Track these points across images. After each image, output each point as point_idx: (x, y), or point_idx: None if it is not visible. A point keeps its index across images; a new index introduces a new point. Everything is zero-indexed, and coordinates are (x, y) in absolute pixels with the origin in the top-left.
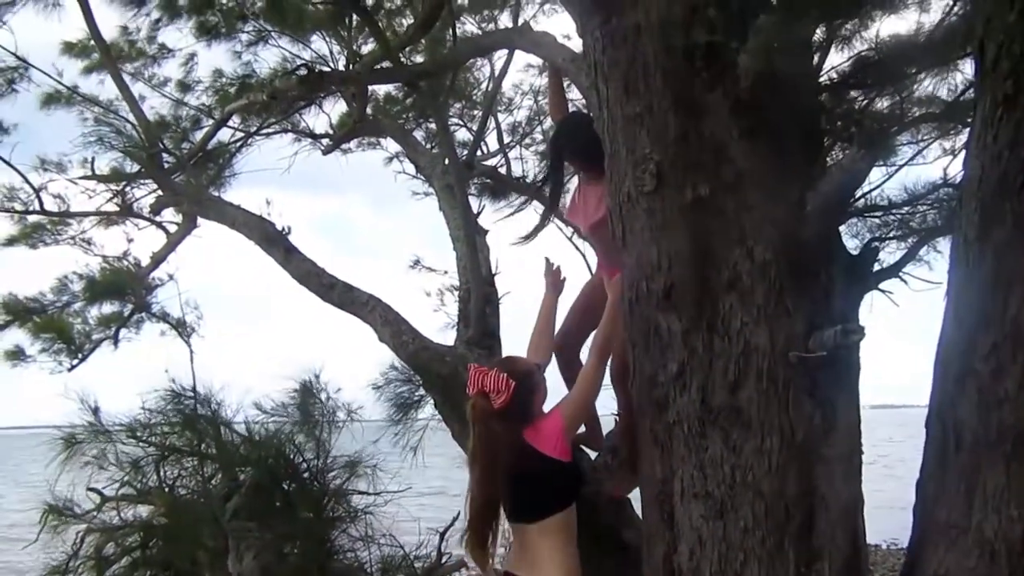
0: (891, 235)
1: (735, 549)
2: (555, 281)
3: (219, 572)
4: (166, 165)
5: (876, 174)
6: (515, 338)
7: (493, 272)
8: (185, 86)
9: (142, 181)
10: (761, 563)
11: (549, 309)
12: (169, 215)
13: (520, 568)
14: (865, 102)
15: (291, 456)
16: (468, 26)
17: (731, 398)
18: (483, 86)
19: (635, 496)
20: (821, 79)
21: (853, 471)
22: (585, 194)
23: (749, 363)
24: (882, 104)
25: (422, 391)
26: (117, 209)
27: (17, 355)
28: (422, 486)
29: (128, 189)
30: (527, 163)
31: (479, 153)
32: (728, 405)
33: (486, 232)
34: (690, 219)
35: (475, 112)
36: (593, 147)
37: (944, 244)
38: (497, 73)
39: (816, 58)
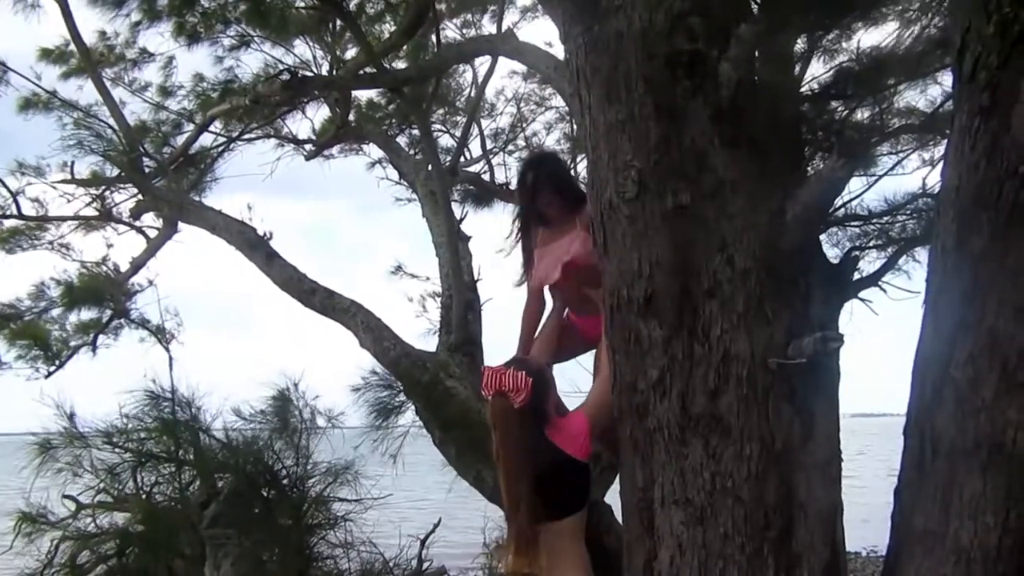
0: (871, 244)
1: (715, 556)
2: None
3: None
4: (147, 169)
5: (856, 184)
6: (497, 345)
7: (475, 278)
8: (166, 91)
9: (122, 185)
10: (741, 569)
11: (554, 327)
12: (149, 220)
13: (535, 569)
14: (845, 113)
15: (270, 463)
16: (451, 32)
17: (711, 405)
18: (466, 92)
19: (615, 502)
20: (802, 89)
21: (832, 478)
22: (548, 246)
23: (729, 370)
24: (862, 115)
25: (402, 396)
26: (96, 214)
27: None
28: (402, 493)
29: (108, 193)
30: (510, 170)
31: (462, 159)
32: (708, 412)
33: (469, 238)
34: (671, 226)
35: (458, 118)
36: (565, 174)
37: (923, 253)
38: (480, 79)
39: (797, 68)
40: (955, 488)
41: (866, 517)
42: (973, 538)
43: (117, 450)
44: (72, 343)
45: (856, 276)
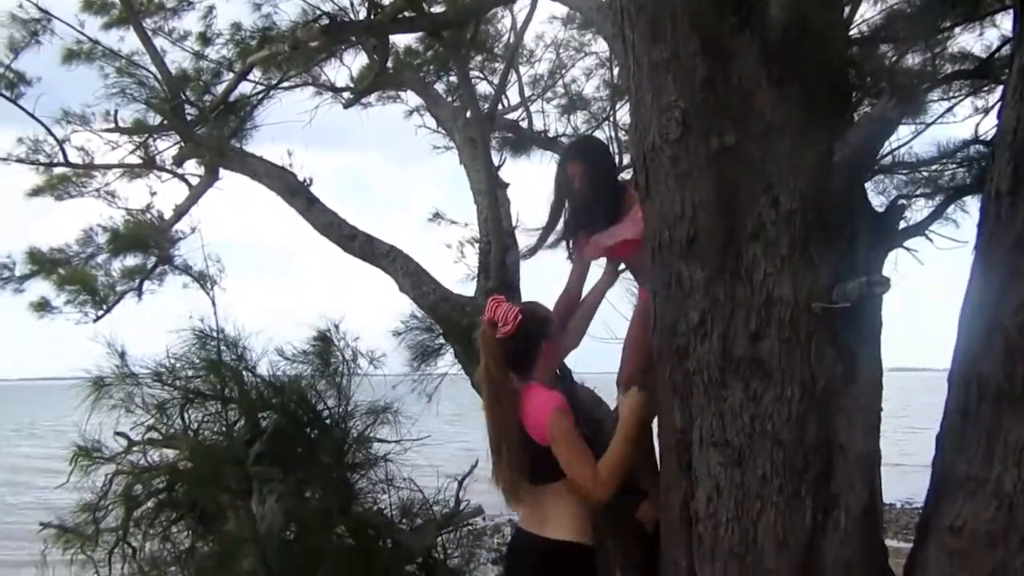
0: (918, 193)
1: (752, 497)
2: (613, 271)
3: (243, 514)
4: (188, 117)
5: (904, 131)
6: (534, 290)
7: (513, 225)
8: (206, 39)
9: (165, 133)
10: (778, 510)
11: (599, 295)
12: (191, 167)
13: (531, 525)
14: (895, 57)
15: (313, 402)
16: None
17: (752, 348)
18: (504, 38)
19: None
20: (851, 32)
21: (872, 423)
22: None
23: (771, 313)
24: (913, 60)
25: (441, 340)
26: (140, 161)
27: (43, 306)
28: (440, 435)
29: (151, 141)
30: (548, 117)
31: (500, 107)
32: (749, 355)
33: (507, 185)
34: (715, 167)
35: (496, 65)
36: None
37: (972, 203)
38: (519, 25)
39: (847, 10)
40: (1000, 434)
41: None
42: (1016, 483)
43: (166, 388)
44: (118, 288)
45: (902, 225)
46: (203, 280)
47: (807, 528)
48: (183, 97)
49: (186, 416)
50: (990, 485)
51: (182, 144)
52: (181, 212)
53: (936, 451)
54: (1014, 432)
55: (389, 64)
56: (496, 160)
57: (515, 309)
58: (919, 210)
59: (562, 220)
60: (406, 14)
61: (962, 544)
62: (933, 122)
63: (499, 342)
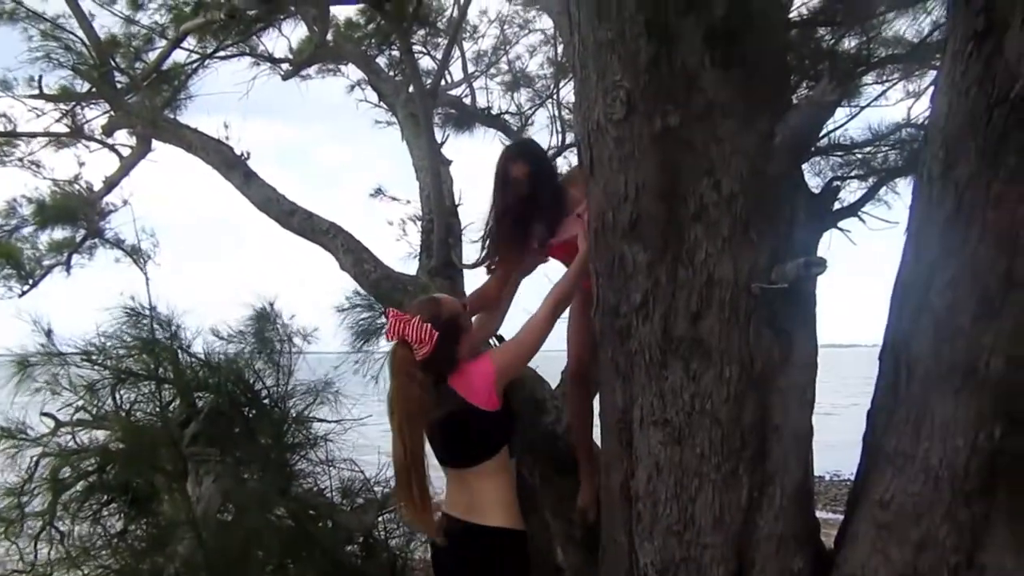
0: (852, 175)
1: (691, 474)
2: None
3: (178, 496)
4: (119, 85)
5: (840, 114)
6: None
7: (456, 202)
8: (136, 3)
9: (93, 101)
10: (716, 488)
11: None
12: (122, 138)
13: (458, 510)
14: (832, 41)
15: (251, 382)
16: None
17: (693, 328)
18: (448, 13)
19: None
20: (791, 15)
21: (807, 401)
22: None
23: (712, 294)
24: (849, 44)
25: (383, 319)
26: (67, 130)
27: None
28: (382, 415)
29: (79, 109)
30: (492, 94)
31: (443, 83)
32: (689, 335)
33: (450, 162)
34: (659, 148)
35: (439, 40)
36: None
37: (903, 185)
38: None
39: None
40: (928, 411)
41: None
42: (943, 458)
43: (96, 367)
44: (45, 262)
45: (836, 206)
46: (136, 255)
47: (743, 505)
48: (112, 64)
49: (118, 396)
50: (918, 460)
51: (112, 113)
52: (112, 184)
53: (867, 427)
54: (941, 409)
55: (329, 36)
56: (439, 137)
57: (425, 325)
58: (852, 192)
59: (494, 222)
60: None
61: (890, 517)
62: (867, 105)
63: (419, 363)
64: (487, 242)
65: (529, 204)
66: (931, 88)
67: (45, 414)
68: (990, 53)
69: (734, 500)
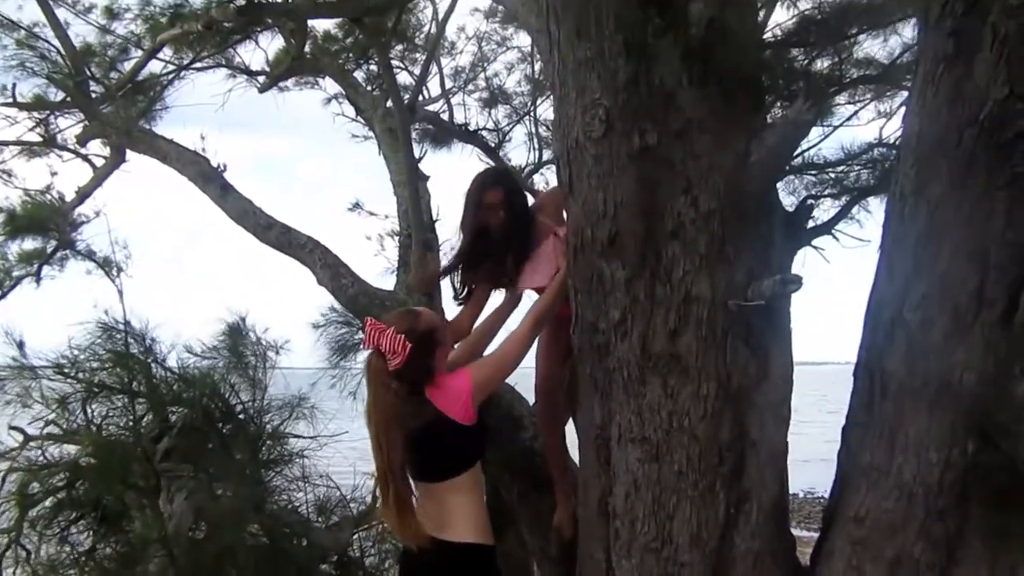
0: (825, 193)
1: (669, 491)
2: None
3: (149, 513)
4: (93, 95)
5: (813, 133)
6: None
7: (434, 218)
8: (112, 13)
9: (67, 110)
10: (693, 504)
11: (501, 319)
12: (96, 148)
13: (431, 528)
14: (806, 62)
15: (226, 396)
16: None
17: (671, 345)
18: (426, 28)
19: (572, 441)
20: (765, 35)
21: (782, 418)
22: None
23: (689, 311)
24: (822, 64)
25: (360, 335)
26: (40, 139)
27: None
28: (358, 431)
29: (52, 118)
30: (470, 110)
31: (421, 98)
32: (667, 352)
33: (427, 178)
34: (637, 166)
35: (417, 55)
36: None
37: (876, 203)
38: (441, 15)
39: (761, 15)
40: (902, 426)
41: (805, 459)
42: (916, 474)
43: (68, 380)
44: (15, 273)
45: (810, 224)
46: (108, 266)
47: (720, 522)
48: (88, 73)
49: (89, 410)
50: (892, 476)
51: (86, 123)
52: (84, 194)
53: (842, 443)
54: (914, 425)
55: (307, 49)
56: (417, 152)
57: (400, 337)
58: (826, 210)
59: (464, 249)
60: None
61: (865, 533)
62: (840, 125)
63: (393, 373)
64: (457, 269)
65: (499, 232)
66: (903, 108)
67: (14, 428)
68: (960, 76)
69: (711, 517)
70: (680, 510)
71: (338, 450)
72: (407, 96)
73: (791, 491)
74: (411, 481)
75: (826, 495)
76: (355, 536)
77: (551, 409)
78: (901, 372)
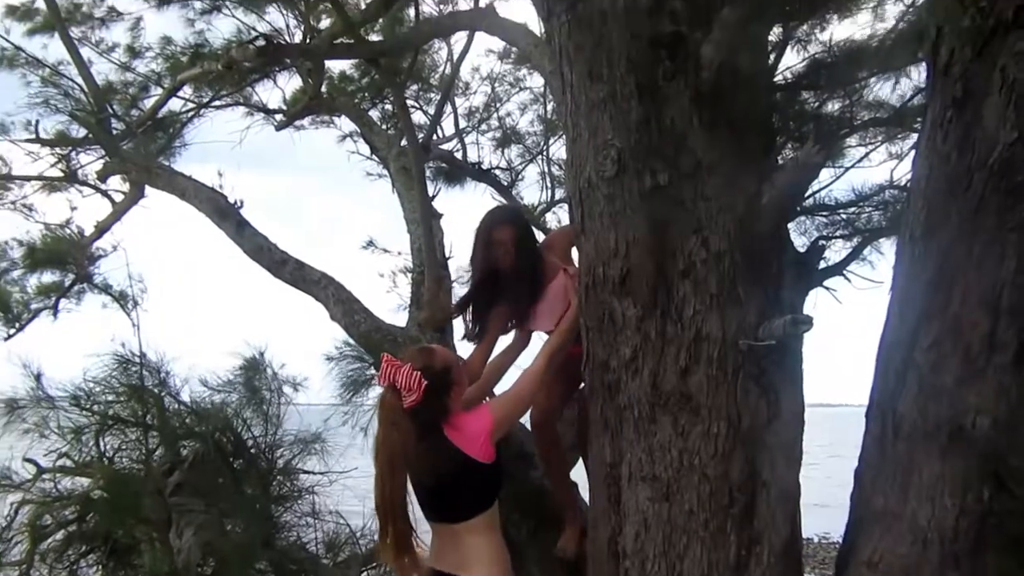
0: (837, 234)
1: (679, 531)
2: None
3: (159, 547)
4: (115, 132)
5: (824, 175)
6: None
7: (447, 256)
8: (134, 52)
9: (89, 147)
10: (704, 545)
11: (511, 358)
12: (116, 184)
13: (448, 565)
14: (817, 104)
15: (239, 431)
16: (426, 7)
17: (681, 384)
18: (441, 69)
19: (583, 478)
20: (776, 78)
21: (794, 458)
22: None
23: (700, 350)
24: (833, 107)
25: (373, 370)
26: (61, 175)
27: None
28: (368, 467)
29: (74, 155)
30: (483, 149)
31: (434, 137)
32: (678, 391)
33: (440, 216)
34: (649, 206)
35: (431, 95)
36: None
37: (887, 245)
38: (456, 56)
39: (772, 58)
40: (915, 470)
41: (821, 503)
42: (931, 519)
43: (83, 412)
44: (33, 306)
45: (822, 265)
46: (123, 300)
47: (731, 563)
48: (109, 110)
49: (102, 443)
50: (905, 520)
51: (106, 159)
52: (103, 229)
53: (854, 486)
54: (928, 468)
55: (324, 88)
56: (430, 190)
57: (415, 373)
58: (837, 251)
59: (474, 287)
60: (344, 40)
61: None
62: (851, 167)
63: (408, 412)
64: (468, 307)
65: (508, 270)
66: (913, 151)
67: (27, 459)
68: (969, 120)
69: (722, 558)
70: (691, 551)
71: (347, 486)
72: (421, 135)
73: (806, 535)
74: (428, 522)
75: (840, 540)
76: (363, 574)
77: (548, 436)
78: (913, 414)
